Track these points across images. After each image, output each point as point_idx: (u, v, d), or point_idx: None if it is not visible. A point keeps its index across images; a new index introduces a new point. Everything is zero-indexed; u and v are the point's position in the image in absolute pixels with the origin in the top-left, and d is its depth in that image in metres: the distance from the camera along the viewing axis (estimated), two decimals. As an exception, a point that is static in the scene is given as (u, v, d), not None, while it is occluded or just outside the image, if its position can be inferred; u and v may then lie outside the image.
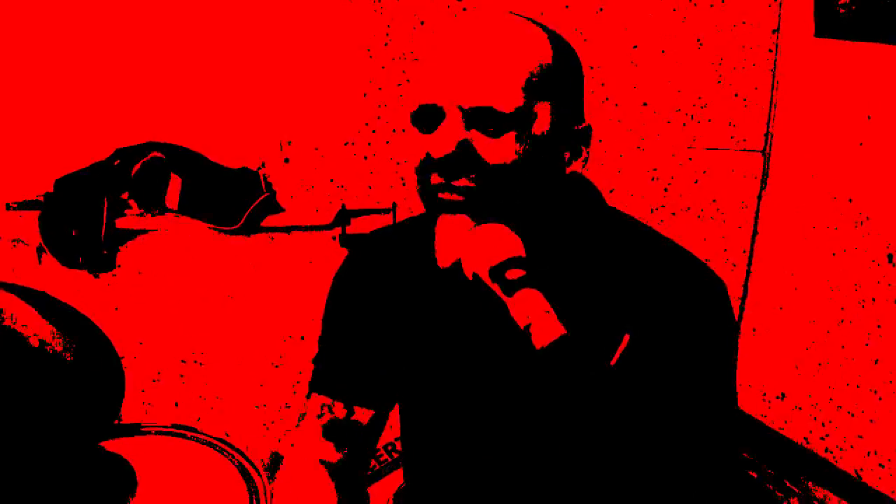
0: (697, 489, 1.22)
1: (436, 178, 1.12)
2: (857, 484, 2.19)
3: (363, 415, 1.37)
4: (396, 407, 1.47)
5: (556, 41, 1.15)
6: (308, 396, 1.39)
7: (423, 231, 1.26)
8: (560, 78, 1.14)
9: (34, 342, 1.75)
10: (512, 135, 1.10)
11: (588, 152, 1.19)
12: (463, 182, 1.11)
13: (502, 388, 1.26)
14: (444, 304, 1.29)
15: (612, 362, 1.16)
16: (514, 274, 1.09)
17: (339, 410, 1.36)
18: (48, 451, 1.75)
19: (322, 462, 1.34)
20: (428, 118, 1.12)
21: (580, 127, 1.17)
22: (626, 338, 1.16)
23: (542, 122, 1.12)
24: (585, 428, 1.17)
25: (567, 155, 1.18)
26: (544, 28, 1.15)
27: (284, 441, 1.44)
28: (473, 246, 1.14)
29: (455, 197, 1.11)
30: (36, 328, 1.78)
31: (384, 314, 1.35)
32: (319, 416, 1.36)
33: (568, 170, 1.18)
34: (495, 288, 1.11)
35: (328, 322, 1.42)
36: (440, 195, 1.12)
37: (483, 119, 1.10)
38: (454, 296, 1.25)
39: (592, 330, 1.16)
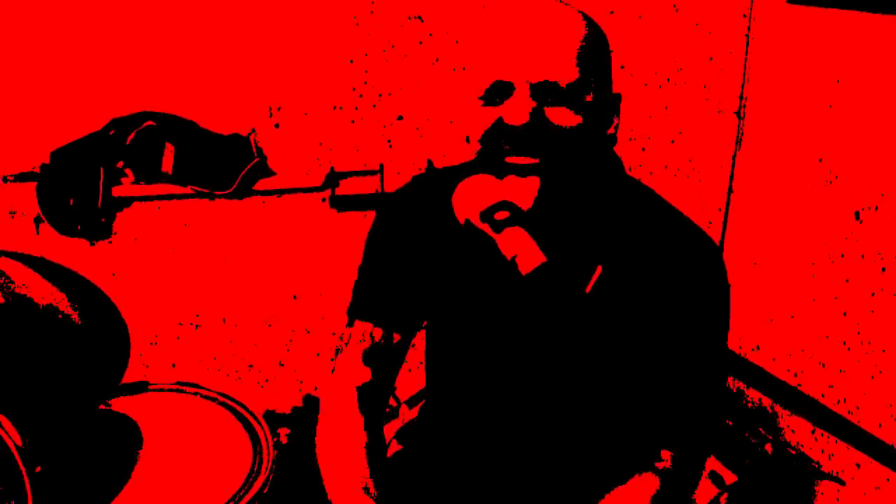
0: (684, 410, 1.50)
1: (505, 144, 1.35)
2: (834, 418, 2.41)
3: (396, 338, 1.63)
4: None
5: (590, 21, 1.39)
6: (350, 324, 1.64)
7: (446, 183, 1.49)
8: (598, 53, 1.39)
9: (43, 306, 1.94)
10: (572, 104, 1.34)
11: (619, 118, 1.45)
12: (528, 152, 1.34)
13: (502, 314, 1.52)
14: (455, 245, 1.54)
15: (588, 289, 1.41)
16: (501, 215, 1.33)
17: (378, 335, 1.62)
18: (61, 410, 1.95)
19: (357, 388, 1.60)
20: (497, 92, 1.34)
21: (612, 96, 1.43)
22: (599, 269, 1.42)
23: (591, 92, 1.36)
24: (569, 346, 1.46)
25: (616, 120, 1.44)
26: (579, 11, 1.39)
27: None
28: (465, 195, 1.39)
29: (525, 160, 1.34)
30: (44, 293, 1.97)
31: (414, 251, 1.60)
32: (361, 342, 1.62)
33: (608, 131, 1.44)
34: (485, 228, 1.36)
35: (369, 255, 1.67)
36: (507, 159, 1.35)
37: (549, 92, 1.33)
38: (463, 238, 1.47)
39: (572, 262, 1.42)
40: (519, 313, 1.50)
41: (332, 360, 1.65)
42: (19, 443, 1.61)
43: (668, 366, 1.47)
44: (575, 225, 1.45)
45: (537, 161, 1.34)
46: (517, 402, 1.56)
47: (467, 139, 1.46)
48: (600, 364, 1.47)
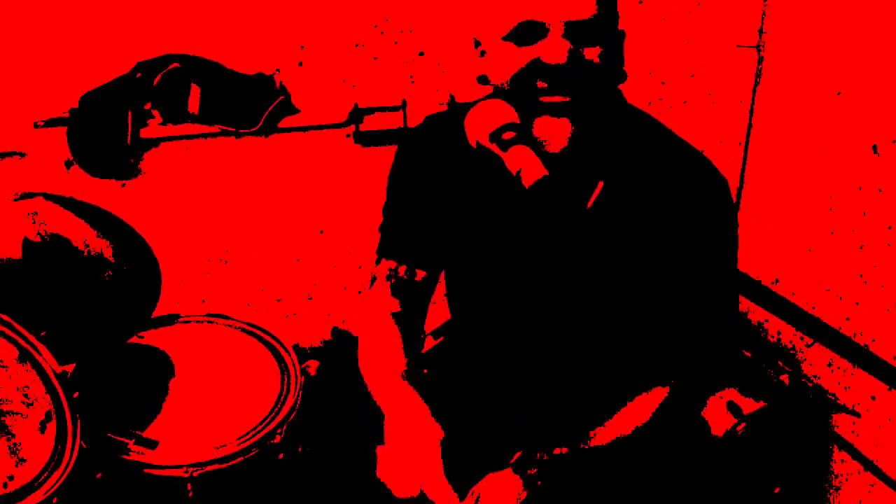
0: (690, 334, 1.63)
1: (540, 84, 1.47)
2: (853, 347, 2.50)
3: (420, 275, 1.77)
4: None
5: None
6: (378, 262, 1.78)
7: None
8: None
9: (79, 244, 2.08)
10: (600, 40, 1.46)
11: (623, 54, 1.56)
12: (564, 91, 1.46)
13: (512, 234, 1.66)
14: (469, 172, 1.66)
15: (589, 204, 1.55)
16: (508, 135, 1.46)
17: (402, 272, 1.75)
18: (96, 341, 2.11)
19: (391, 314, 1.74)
20: (530, 33, 1.46)
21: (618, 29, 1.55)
22: (601, 184, 1.55)
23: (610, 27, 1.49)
24: (574, 260, 1.60)
25: (621, 61, 1.55)
26: None
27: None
28: (475, 120, 1.51)
29: (559, 98, 1.47)
30: (77, 232, 2.11)
31: (433, 186, 1.73)
32: (388, 278, 1.76)
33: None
34: (494, 148, 1.48)
35: (390, 195, 1.80)
36: (542, 98, 1.47)
37: (582, 30, 1.44)
38: (475, 163, 1.60)
39: (573, 178, 1.54)
40: (526, 230, 1.63)
41: (368, 288, 1.77)
42: (58, 370, 1.77)
43: (674, 284, 1.60)
44: (579, 145, 1.55)
45: (569, 99, 1.46)
46: (531, 318, 1.70)
47: (483, 79, 1.58)
48: (605, 278, 1.60)
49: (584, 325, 1.68)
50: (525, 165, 1.42)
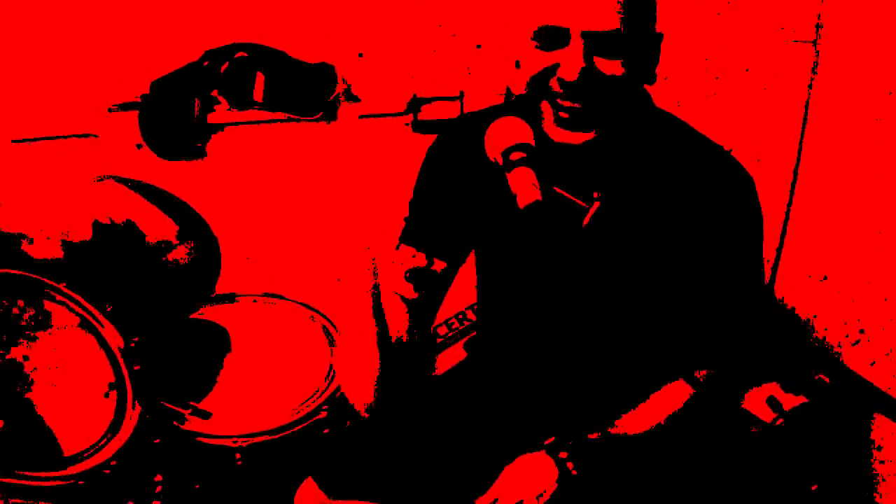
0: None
1: (555, 87, 1.54)
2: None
3: (439, 265, 1.84)
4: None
5: None
6: (398, 247, 1.88)
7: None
8: None
9: (145, 227, 2.25)
10: (622, 54, 1.51)
11: (658, 56, 1.62)
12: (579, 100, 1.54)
13: (517, 246, 1.77)
14: (490, 186, 1.75)
15: (584, 223, 1.63)
16: (516, 156, 1.54)
17: (421, 260, 1.81)
18: (157, 317, 2.27)
19: (401, 297, 1.83)
20: (551, 39, 1.53)
21: (654, 36, 1.60)
22: (596, 204, 1.63)
23: (638, 39, 1.54)
24: (575, 275, 1.69)
25: (654, 63, 1.62)
26: None
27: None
28: (493, 135, 1.60)
29: (572, 104, 1.54)
30: (144, 213, 2.28)
31: (458, 185, 1.84)
32: (404, 264, 1.83)
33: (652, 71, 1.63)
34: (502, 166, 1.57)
35: (418, 189, 1.95)
36: (559, 101, 1.55)
37: (602, 44, 1.50)
38: (494, 181, 1.69)
39: (569, 200, 1.64)
40: (528, 245, 1.74)
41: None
42: (122, 345, 1.93)
43: (693, 291, 1.67)
44: (586, 162, 1.64)
45: (580, 106, 1.54)
46: (545, 320, 1.81)
47: (518, 63, 1.66)
48: (610, 287, 1.68)
49: (598, 326, 1.76)
50: (521, 188, 1.49)
